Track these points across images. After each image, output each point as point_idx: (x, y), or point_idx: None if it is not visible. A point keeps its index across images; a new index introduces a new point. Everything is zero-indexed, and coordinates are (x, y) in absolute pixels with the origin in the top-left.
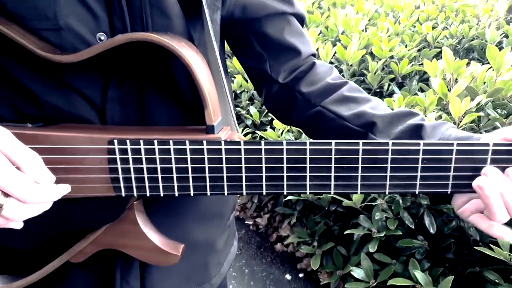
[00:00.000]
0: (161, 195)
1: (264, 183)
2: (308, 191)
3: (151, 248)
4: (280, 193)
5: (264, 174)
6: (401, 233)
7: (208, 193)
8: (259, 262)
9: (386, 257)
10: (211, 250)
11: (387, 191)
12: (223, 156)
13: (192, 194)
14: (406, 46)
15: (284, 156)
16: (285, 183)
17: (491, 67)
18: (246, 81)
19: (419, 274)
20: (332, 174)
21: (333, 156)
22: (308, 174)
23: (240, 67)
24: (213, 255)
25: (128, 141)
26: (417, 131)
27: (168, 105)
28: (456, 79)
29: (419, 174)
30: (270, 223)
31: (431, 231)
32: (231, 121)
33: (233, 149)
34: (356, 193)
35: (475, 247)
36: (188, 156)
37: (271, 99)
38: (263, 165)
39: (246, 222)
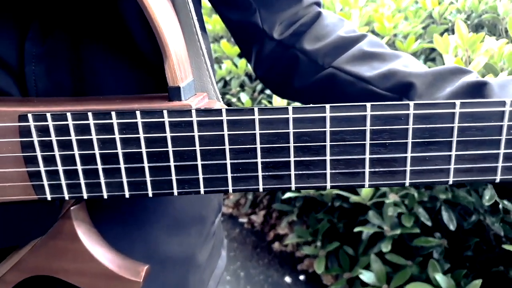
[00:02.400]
0: (105, 196)
1: (260, 173)
2: (328, 185)
3: (100, 273)
4: (285, 189)
5: (259, 160)
6: (419, 231)
7: (175, 191)
8: (256, 264)
9: (400, 258)
10: (190, 266)
11: (450, 179)
12: (195, 133)
13: (150, 195)
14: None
15: (291, 130)
16: (292, 173)
17: (508, 42)
18: (236, 66)
19: (440, 277)
20: (367, 156)
21: (367, 128)
22: (328, 157)
23: (229, 51)
24: (194, 272)
25: (49, 116)
26: (478, 92)
27: (117, 65)
28: (469, 56)
29: (502, 151)
30: (266, 221)
31: (451, 227)
32: (209, 88)
33: (210, 121)
34: (403, 184)
35: (503, 246)
36: (141, 135)
37: (264, 62)
38: (258, 145)
39: (240, 220)
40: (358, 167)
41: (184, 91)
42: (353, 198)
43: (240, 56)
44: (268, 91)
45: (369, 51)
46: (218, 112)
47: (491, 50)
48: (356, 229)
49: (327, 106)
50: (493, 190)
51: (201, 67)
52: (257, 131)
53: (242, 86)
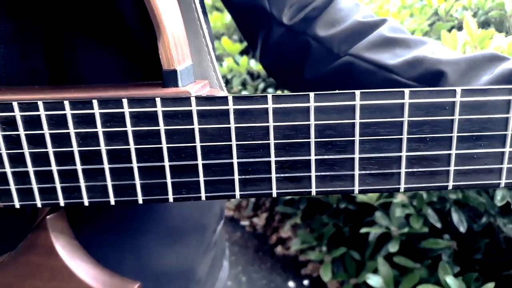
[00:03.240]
0: (86, 203)
1: (273, 175)
2: (357, 189)
3: None
4: (304, 194)
5: (273, 158)
6: (427, 231)
7: (170, 198)
8: (258, 269)
9: (408, 261)
10: (189, 281)
11: (502, 181)
12: (195, 126)
13: (140, 201)
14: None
15: (312, 122)
16: (313, 174)
17: None
18: (237, 64)
19: (451, 280)
20: (403, 153)
21: (405, 119)
22: (357, 155)
23: (230, 48)
24: (192, 287)
25: (16, 105)
26: None
27: (103, 51)
28: None
29: None
30: (268, 223)
31: (461, 229)
32: (211, 75)
33: (214, 111)
34: (446, 188)
35: None
36: (129, 129)
37: (272, 51)
38: (272, 141)
39: (242, 222)
40: (392, 167)
41: (181, 75)
42: (360, 197)
43: (242, 53)
44: (271, 90)
45: (391, 37)
46: (223, 100)
47: (500, 47)
48: (363, 230)
49: (357, 92)
50: (505, 190)
51: (201, 50)
52: (271, 123)
53: (243, 84)
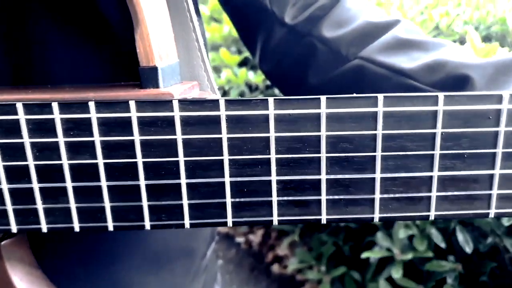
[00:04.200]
0: (44, 229)
1: (274, 198)
2: (377, 216)
3: None
4: (312, 222)
5: (274, 177)
6: (431, 255)
7: (147, 224)
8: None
9: (411, 282)
10: None
11: None
12: (178, 136)
13: (110, 228)
14: None
15: (323, 133)
16: (323, 198)
17: None
18: (235, 75)
19: None
20: (435, 173)
21: (438, 130)
22: (379, 174)
23: (228, 60)
24: None
25: None
26: None
27: (77, 46)
28: None
29: None
30: (264, 241)
31: (467, 250)
32: (202, 76)
33: (202, 118)
34: (487, 216)
35: None
36: (96, 139)
37: (272, 54)
38: (273, 155)
39: (237, 239)
40: (421, 190)
41: (163, 74)
42: None
43: (240, 65)
44: None
45: (406, 38)
46: (214, 104)
47: None
48: (364, 255)
49: (380, 96)
50: None
51: (190, 46)
52: (272, 134)
53: (241, 96)
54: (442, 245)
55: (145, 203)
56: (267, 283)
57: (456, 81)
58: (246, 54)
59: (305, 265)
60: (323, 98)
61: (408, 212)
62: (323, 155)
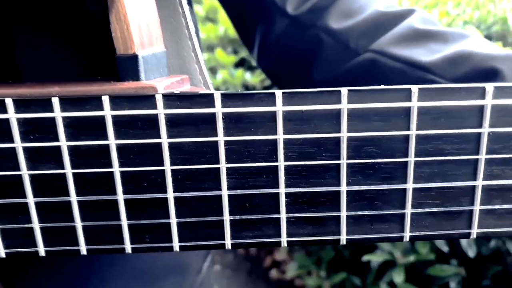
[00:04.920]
0: (2, 254)
1: (283, 215)
2: (407, 235)
3: None
4: (329, 243)
5: (282, 190)
6: (434, 259)
7: (127, 247)
8: None
9: (412, 287)
10: None
11: None
12: (164, 139)
13: (84, 251)
14: None
15: (344, 135)
16: (343, 214)
17: None
18: (232, 76)
19: None
20: (480, 182)
21: (485, 130)
22: (411, 185)
23: (224, 60)
24: None
25: None
26: None
27: (49, 36)
28: None
29: None
30: None
31: (470, 254)
32: (193, 69)
33: (193, 117)
34: None
35: None
36: (63, 143)
37: (273, 48)
38: (281, 162)
39: None
40: (461, 202)
41: (145, 64)
42: None
43: (237, 66)
44: None
45: (423, 29)
46: (207, 99)
47: None
48: (365, 258)
49: (414, 88)
50: None
51: (180, 35)
52: (280, 136)
53: None
54: (445, 248)
55: (124, 222)
56: None
57: (483, 75)
58: (243, 54)
59: (304, 270)
60: (344, 90)
61: (445, 229)
62: (344, 161)
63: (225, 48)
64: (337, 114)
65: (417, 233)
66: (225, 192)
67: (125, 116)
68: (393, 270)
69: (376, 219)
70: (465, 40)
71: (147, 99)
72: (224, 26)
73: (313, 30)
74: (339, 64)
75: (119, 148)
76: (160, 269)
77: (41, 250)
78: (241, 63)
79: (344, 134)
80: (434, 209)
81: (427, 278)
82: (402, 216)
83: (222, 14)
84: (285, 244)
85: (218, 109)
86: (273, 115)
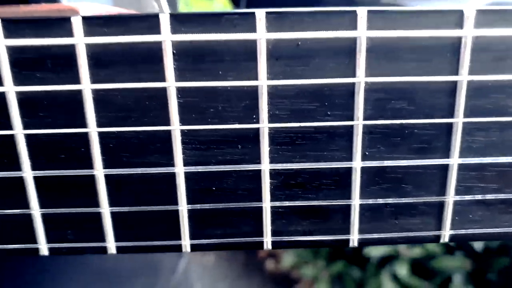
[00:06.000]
0: None
1: (267, 202)
2: (446, 235)
3: None
4: (338, 245)
5: (267, 168)
6: (438, 252)
7: (43, 248)
8: (246, 285)
9: (415, 279)
10: None
11: None
12: (86, 85)
13: None
14: None
15: (361, 79)
16: (355, 202)
17: None
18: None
19: None
20: None
21: None
22: (456, 158)
23: None
24: None
25: None
26: None
27: None
28: None
29: None
30: None
31: (477, 247)
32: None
33: (128, 48)
34: None
35: None
36: None
37: None
38: (264, 124)
39: None
40: None
41: None
42: None
43: None
44: None
45: None
46: (150, 22)
47: None
48: (366, 251)
49: (469, 9)
50: None
51: None
52: (264, 82)
53: None
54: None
55: (35, 210)
56: (261, 279)
57: None
58: None
59: (302, 261)
60: (361, 11)
61: (503, 226)
62: (359, 122)
63: None
64: (350, 48)
65: (462, 231)
66: (180, 169)
67: (27, 50)
68: (396, 262)
69: (402, 211)
70: None
71: (60, 25)
72: None
73: None
74: None
75: (21, 100)
76: (128, 271)
77: None
78: None
79: (361, 80)
80: (488, 196)
81: (430, 271)
82: (441, 206)
83: None
84: (269, 247)
85: (166, 37)
86: (252, 48)
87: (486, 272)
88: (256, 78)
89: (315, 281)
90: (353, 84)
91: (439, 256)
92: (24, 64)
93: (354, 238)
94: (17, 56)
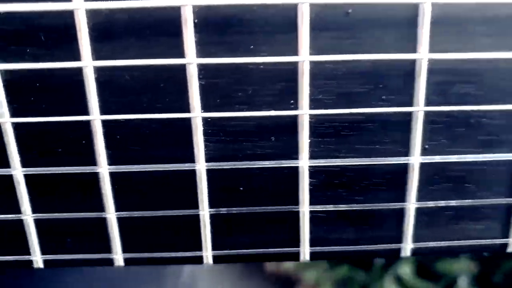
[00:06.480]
0: None
1: (306, 208)
2: None
3: None
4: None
5: (306, 164)
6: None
7: (38, 260)
8: (246, 286)
9: (420, 281)
10: None
11: None
12: (87, 63)
13: None
14: None
15: (424, 56)
16: (410, 205)
17: None
18: None
19: None
20: None
21: None
22: None
23: None
24: None
25: None
26: None
27: None
28: None
29: None
30: None
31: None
32: None
33: (140, 20)
34: None
35: None
36: None
37: None
38: (305, 111)
39: None
40: None
41: None
42: None
43: None
44: None
45: None
46: None
47: None
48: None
49: None
50: None
51: None
52: (306, 58)
53: None
54: None
55: (27, 215)
56: (261, 280)
57: None
58: None
59: (303, 263)
60: None
61: None
62: (420, 108)
63: None
64: (410, 18)
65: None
66: (201, 166)
67: (15, 21)
68: (400, 264)
69: (465, 214)
70: None
71: None
72: None
73: None
74: None
75: (8, 81)
76: (133, 275)
77: None
78: None
79: (423, 56)
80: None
81: (436, 273)
82: (509, 209)
83: None
84: (307, 258)
85: (186, 0)
86: (290, 16)
87: (492, 275)
88: (295, 54)
89: (317, 283)
90: (413, 62)
91: (444, 259)
92: (12, 38)
93: (407, 247)
94: (2, 28)
